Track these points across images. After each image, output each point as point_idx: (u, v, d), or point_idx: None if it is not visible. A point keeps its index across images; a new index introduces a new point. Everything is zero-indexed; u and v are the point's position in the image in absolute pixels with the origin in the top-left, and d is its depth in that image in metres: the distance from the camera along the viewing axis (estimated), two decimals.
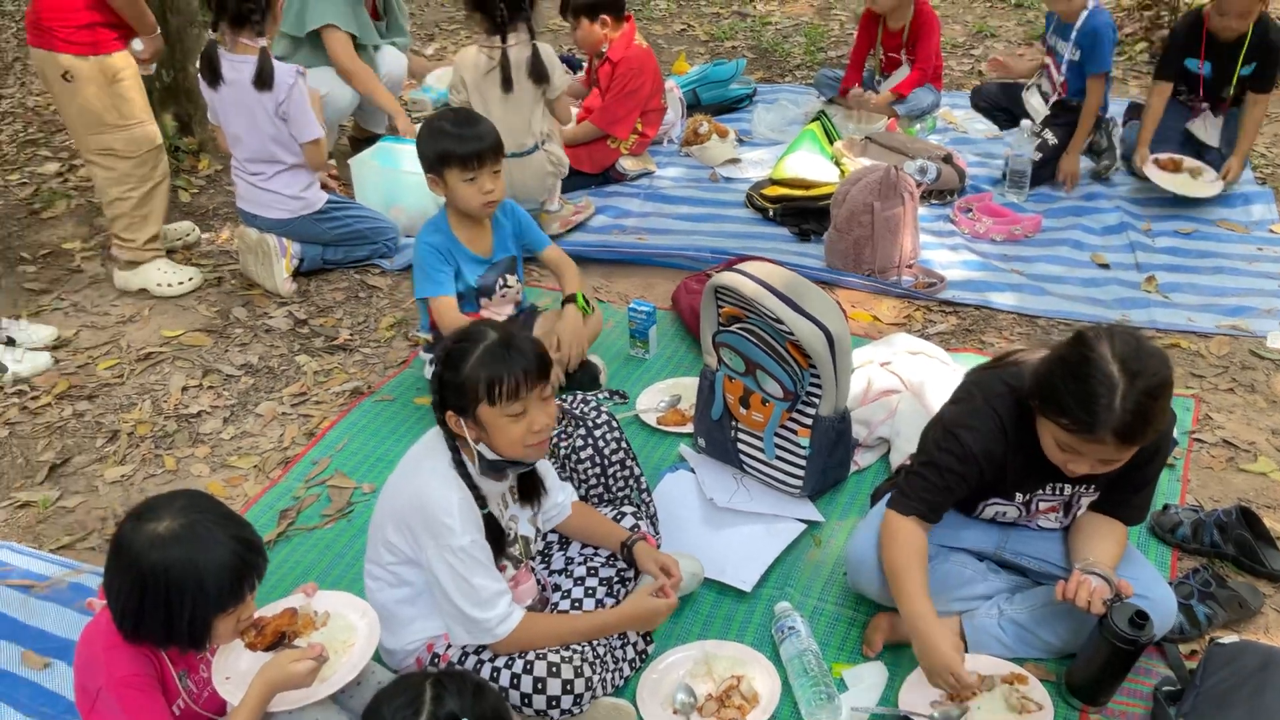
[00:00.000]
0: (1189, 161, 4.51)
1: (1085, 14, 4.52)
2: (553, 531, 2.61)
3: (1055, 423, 2.12)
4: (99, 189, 4.07)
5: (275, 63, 3.91)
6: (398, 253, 4.36)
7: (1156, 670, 2.41)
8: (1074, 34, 4.55)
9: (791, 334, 2.79)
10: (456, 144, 3.11)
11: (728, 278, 2.93)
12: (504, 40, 4.16)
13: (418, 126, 4.88)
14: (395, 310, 4.02)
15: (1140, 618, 2.20)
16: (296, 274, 4.19)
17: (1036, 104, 4.79)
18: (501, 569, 2.34)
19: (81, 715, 1.99)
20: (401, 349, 3.79)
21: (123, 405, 3.54)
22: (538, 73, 4.19)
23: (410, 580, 2.31)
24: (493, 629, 2.24)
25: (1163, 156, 4.52)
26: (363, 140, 5.14)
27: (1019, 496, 2.39)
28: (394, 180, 4.48)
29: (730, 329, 2.96)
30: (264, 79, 3.87)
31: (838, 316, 2.85)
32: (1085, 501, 2.43)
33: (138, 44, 3.95)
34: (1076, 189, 4.70)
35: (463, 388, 2.15)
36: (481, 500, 2.24)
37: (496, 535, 2.27)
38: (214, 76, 3.96)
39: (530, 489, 2.43)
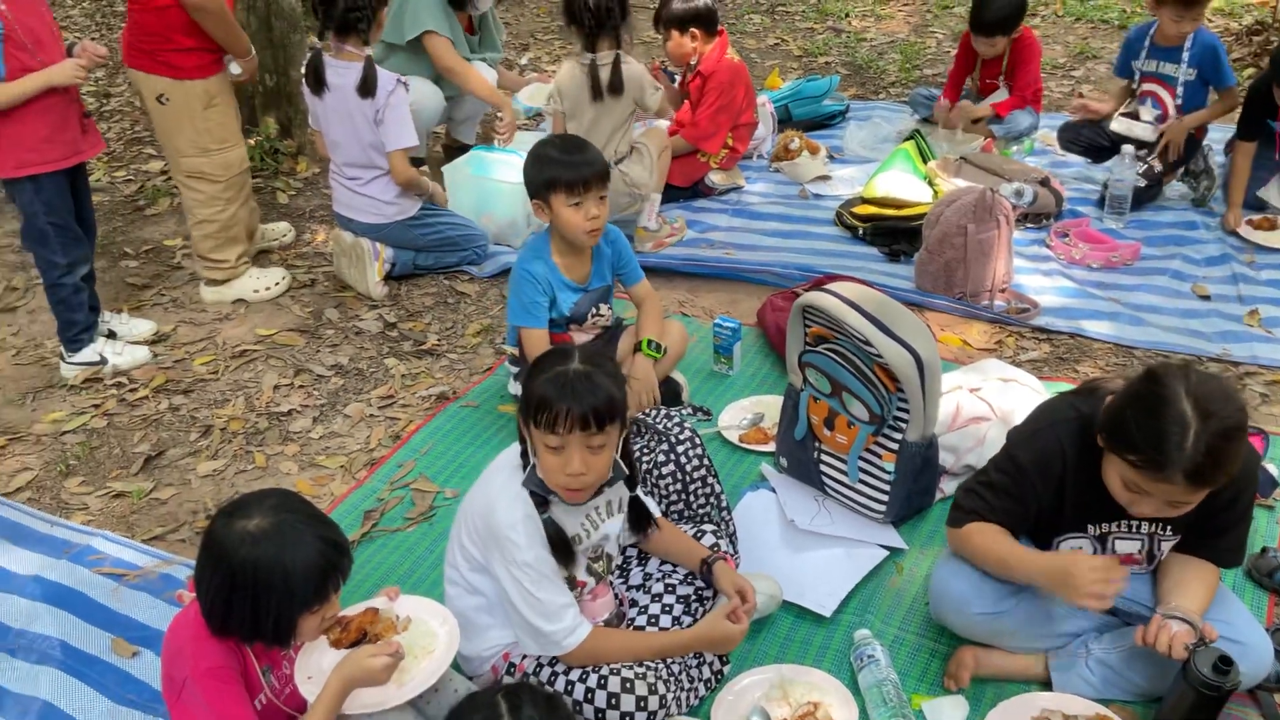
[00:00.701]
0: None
1: (1191, 34, 4.44)
2: (631, 546, 2.61)
3: (1123, 459, 2.07)
4: (187, 209, 4.15)
5: (378, 70, 3.99)
6: (487, 259, 4.41)
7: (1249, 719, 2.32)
8: (1185, 55, 4.47)
9: (880, 356, 2.75)
10: (562, 169, 3.09)
11: (816, 297, 2.90)
12: (593, 51, 4.20)
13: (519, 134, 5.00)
14: (482, 317, 4.06)
15: (1224, 663, 2.12)
16: (388, 278, 4.26)
17: (1140, 131, 4.67)
18: (581, 584, 2.35)
19: (167, 704, 2.03)
20: (487, 355, 3.83)
21: (217, 401, 3.63)
22: (615, 85, 4.23)
23: (485, 589, 2.33)
24: (559, 641, 2.24)
25: (1256, 217, 4.43)
26: (454, 149, 5.21)
27: (1091, 529, 2.32)
28: (485, 188, 4.53)
29: (817, 349, 2.93)
30: (368, 86, 3.95)
31: (928, 340, 2.80)
32: (1166, 546, 2.35)
33: (235, 68, 4.01)
34: (1177, 218, 4.57)
35: (527, 394, 2.18)
36: (543, 504, 2.24)
37: (562, 547, 2.27)
38: (319, 84, 4.04)
39: (640, 520, 2.42)
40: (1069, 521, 2.33)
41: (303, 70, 4.13)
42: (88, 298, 3.75)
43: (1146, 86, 4.68)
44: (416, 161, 4.75)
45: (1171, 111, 4.60)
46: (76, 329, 3.73)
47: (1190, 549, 2.33)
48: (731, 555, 2.66)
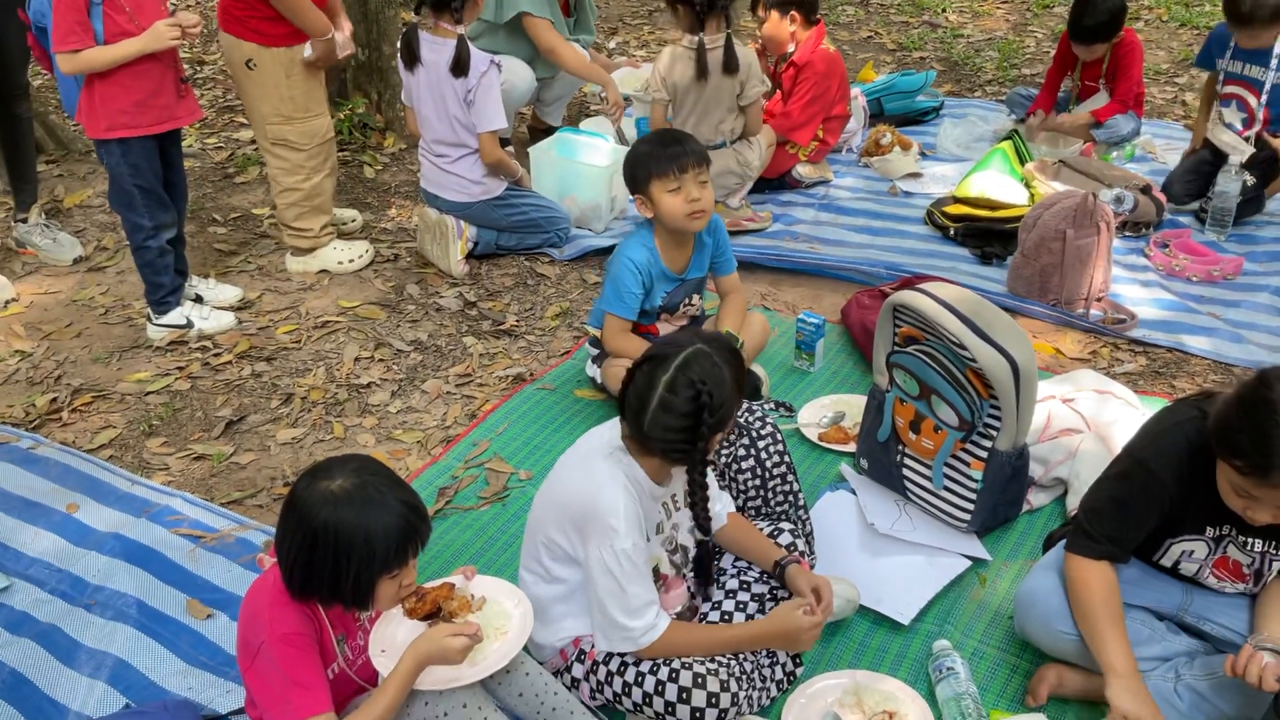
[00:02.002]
0: None
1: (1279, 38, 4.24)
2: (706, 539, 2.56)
3: (1230, 464, 2.01)
4: (271, 177, 4.17)
5: (473, 49, 3.97)
6: (568, 243, 4.38)
7: None
8: (1274, 61, 4.25)
9: (973, 360, 2.67)
10: (655, 160, 3.06)
11: (908, 297, 2.82)
12: (701, 30, 4.17)
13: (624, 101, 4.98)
14: (562, 300, 4.04)
15: None
16: (470, 256, 4.25)
17: (1231, 140, 4.47)
18: (664, 578, 2.31)
19: (241, 669, 2.04)
20: (565, 339, 3.81)
21: (298, 370, 3.65)
22: (730, 64, 4.19)
23: (565, 578, 2.29)
24: (637, 638, 2.20)
25: None
26: (540, 131, 5.19)
27: (1210, 531, 2.23)
28: (570, 170, 4.51)
29: (907, 350, 2.85)
30: (460, 65, 3.94)
31: (1025, 346, 2.70)
32: (1276, 567, 2.25)
33: (308, 49, 3.92)
34: (1278, 231, 4.39)
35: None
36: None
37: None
38: (412, 58, 4.05)
39: (699, 500, 2.37)
40: (1190, 522, 2.24)
41: (397, 45, 4.13)
42: (174, 261, 3.79)
43: (1230, 89, 4.47)
44: (503, 142, 4.73)
45: (1259, 115, 4.39)
46: (163, 292, 3.77)
47: None
48: (807, 557, 2.60)
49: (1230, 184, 4.33)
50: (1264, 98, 4.33)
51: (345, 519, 1.89)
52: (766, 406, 3.34)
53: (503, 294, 4.09)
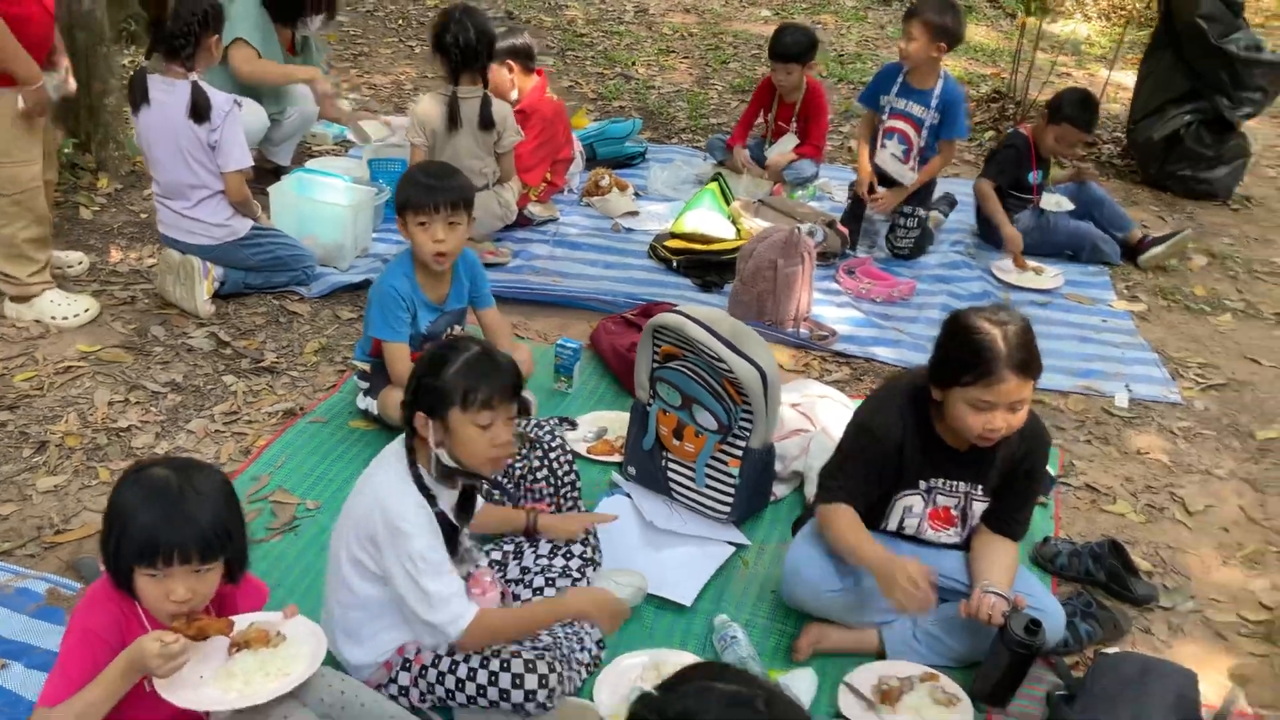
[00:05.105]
0: (1031, 263, 5.12)
1: (942, 81, 4.90)
2: (508, 541, 2.81)
3: (962, 386, 2.51)
4: None
5: (211, 92, 3.99)
6: (315, 280, 4.45)
7: (1047, 679, 2.75)
8: (934, 100, 4.90)
9: (729, 371, 3.07)
10: (416, 190, 3.26)
11: (668, 319, 3.20)
12: (455, 83, 4.41)
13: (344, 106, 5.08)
14: (319, 336, 4.11)
15: (1034, 625, 2.54)
16: (216, 296, 4.22)
17: (896, 168, 5.04)
18: (468, 578, 2.51)
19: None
20: (329, 373, 3.89)
21: (46, 417, 3.52)
22: (485, 120, 4.46)
23: (374, 595, 2.42)
24: (447, 629, 2.37)
25: (1005, 261, 5.14)
26: (269, 172, 5.20)
27: (922, 484, 2.73)
28: (310, 210, 4.58)
29: (668, 365, 3.22)
30: (199, 112, 3.94)
31: (769, 357, 3.16)
32: (977, 507, 2.77)
33: (20, 100, 3.72)
34: (942, 260, 5.16)
35: (439, 390, 2.33)
36: (432, 499, 2.39)
37: (450, 535, 2.44)
38: (140, 99, 4.00)
39: (469, 503, 2.59)
40: (907, 477, 2.73)
41: (109, 83, 4.03)
42: None
43: (893, 123, 5.06)
44: None
45: (916, 148, 5.00)
46: None
47: (993, 523, 2.77)
48: (596, 552, 2.91)
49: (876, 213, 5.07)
50: (924, 131, 4.99)
51: (123, 499, 1.98)
52: (553, 422, 3.59)
53: (256, 332, 4.11)
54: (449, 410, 2.34)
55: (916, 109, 4.94)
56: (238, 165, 4.06)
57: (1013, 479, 2.72)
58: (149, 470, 2.01)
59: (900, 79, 4.98)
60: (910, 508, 2.78)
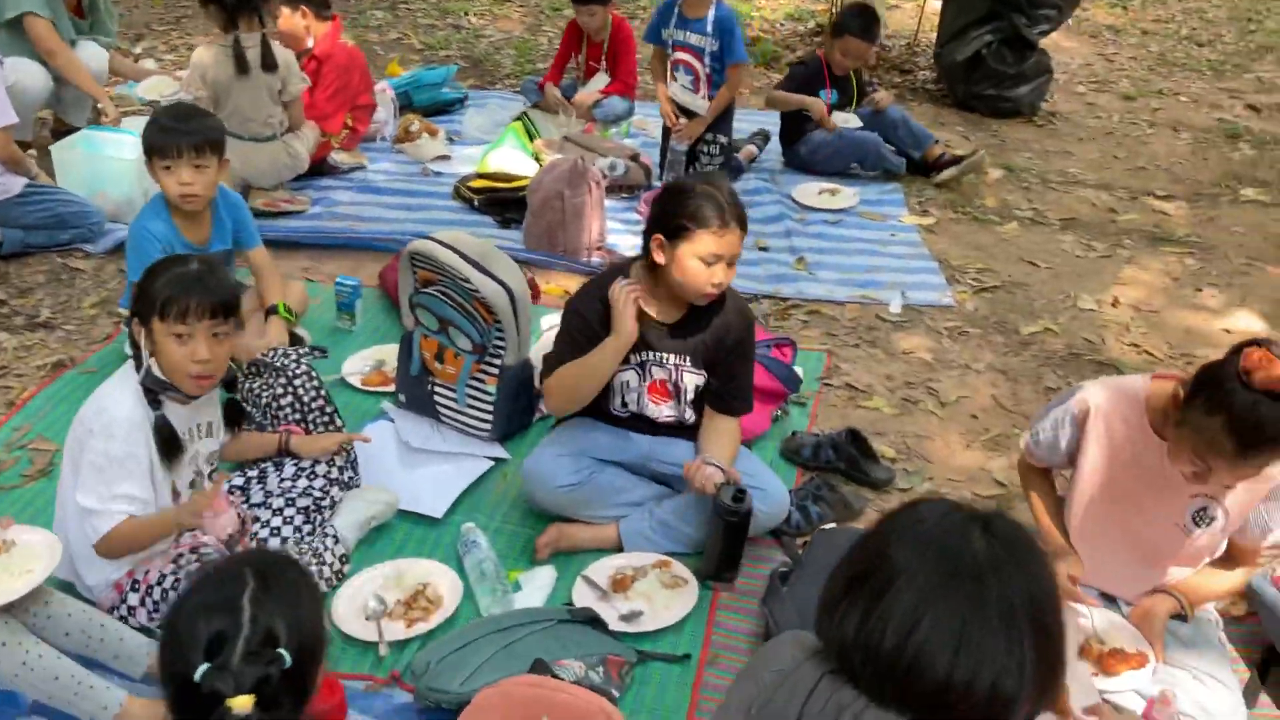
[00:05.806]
0: (827, 185, 5.32)
1: (714, 8, 4.93)
2: (252, 466, 2.86)
3: (689, 237, 2.65)
4: None
5: None
6: (103, 237, 4.40)
7: (776, 559, 2.90)
8: (709, 26, 4.93)
9: (478, 291, 3.14)
10: (159, 134, 3.26)
11: (421, 244, 3.26)
12: (235, 27, 4.41)
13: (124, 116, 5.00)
14: (100, 290, 4.08)
15: (740, 493, 2.68)
16: None
17: (688, 98, 5.09)
18: (177, 496, 2.53)
19: None
20: (105, 325, 3.87)
21: None
22: (267, 62, 4.45)
23: None
24: (98, 527, 2.37)
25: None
26: (64, 133, 5.09)
27: (634, 359, 2.85)
28: (98, 166, 4.52)
29: (426, 290, 3.28)
30: None
31: (518, 277, 3.23)
32: (689, 379, 2.88)
33: None
34: (744, 186, 5.26)
35: (148, 298, 2.38)
36: (156, 402, 2.43)
37: (172, 443, 2.45)
38: None
39: (236, 417, 2.65)
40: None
41: None
42: None
43: (679, 55, 5.10)
44: (23, 145, 4.64)
45: (703, 78, 5.06)
46: None
47: (714, 402, 2.91)
48: (352, 475, 2.97)
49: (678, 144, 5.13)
50: (706, 60, 5.01)
51: None
52: (301, 350, 3.60)
53: (35, 290, 4.06)
54: (151, 318, 2.38)
55: (694, 38, 5.02)
56: (2, 123, 3.99)
57: (723, 352, 2.85)
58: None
59: (676, 10, 5.05)
60: (627, 383, 2.89)
